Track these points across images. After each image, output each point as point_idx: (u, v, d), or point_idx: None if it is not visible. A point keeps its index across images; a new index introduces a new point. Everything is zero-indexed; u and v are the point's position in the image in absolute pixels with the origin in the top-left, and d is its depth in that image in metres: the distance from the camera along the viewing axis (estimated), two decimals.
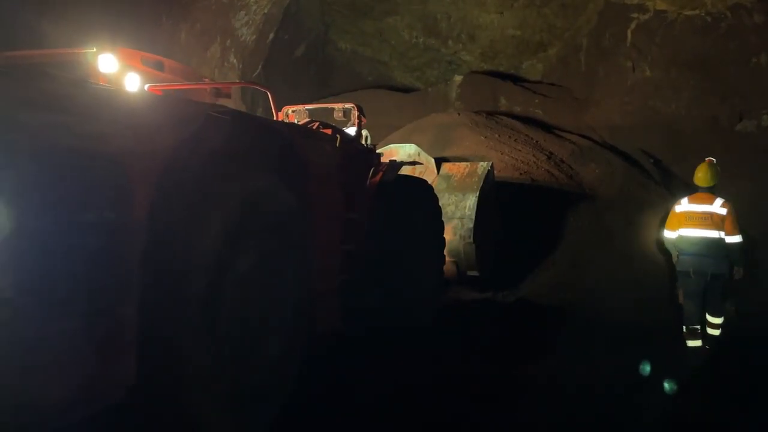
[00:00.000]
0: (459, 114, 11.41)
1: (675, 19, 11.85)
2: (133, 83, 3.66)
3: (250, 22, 11.34)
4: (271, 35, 11.77)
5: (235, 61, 11.39)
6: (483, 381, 4.05)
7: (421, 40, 12.79)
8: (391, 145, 7.78)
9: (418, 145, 8.17)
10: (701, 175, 5.39)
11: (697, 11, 11.73)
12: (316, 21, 12.42)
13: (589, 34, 12.44)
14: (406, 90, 13.64)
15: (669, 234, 5.45)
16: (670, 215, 5.48)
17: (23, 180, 1.98)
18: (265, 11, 11.38)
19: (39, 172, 2.03)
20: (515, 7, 12.10)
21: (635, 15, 11.97)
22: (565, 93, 12.83)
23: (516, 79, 13.25)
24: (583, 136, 11.53)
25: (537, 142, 10.63)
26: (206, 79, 4.65)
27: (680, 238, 5.31)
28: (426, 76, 13.69)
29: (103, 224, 2.26)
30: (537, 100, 12.68)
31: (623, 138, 11.54)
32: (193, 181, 2.58)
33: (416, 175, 6.21)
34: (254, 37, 11.41)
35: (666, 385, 3.96)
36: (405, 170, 5.83)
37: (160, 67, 4.07)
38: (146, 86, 3.76)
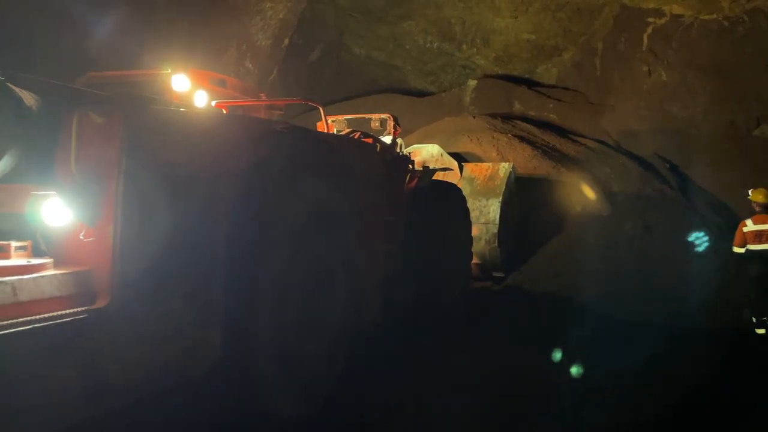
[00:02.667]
0: (474, 117, 11.98)
1: (692, 24, 12.35)
2: (202, 100, 4.23)
3: (266, 27, 11.93)
4: (286, 40, 12.34)
5: (251, 65, 11.98)
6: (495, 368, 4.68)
7: (436, 44, 13.33)
8: (415, 146, 8.33)
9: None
10: (761, 197, 6.71)
11: (714, 15, 12.21)
12: (331, 26, 12.98)
13: (604, 39, 12.94)
14: (420, 94, 14.18)
15: (738, 249, 6.78)
16: (737, 234, 6.80)
17: (144, 190, 2.54)
18: (281, 16, 11.97)
19: (158, 183, 2.60)
20: (530, 12, 12.61)
21: (651, 19, 12.47)
22: (580, 97, 13.35)
23: (530, 84, 13.76)
24: (598, 141, 12.05)
25: (552, 145, 11.16)
26: (262, 95, 5.22)
27: (748, 251, 6.61)
28: (440, 80, 14.23)
29: (199, 223, 2.83)
30: (551, 105, 13.20)
31: (639, 142, 12.03)
32: (266, 189, 3.14)
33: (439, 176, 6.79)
34: (270, 42, 11.99)
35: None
36: None
37: (223, 84, 4.65)
38: (213, 102, 4.33)
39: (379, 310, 4.15)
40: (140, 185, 2.48)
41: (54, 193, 2.38)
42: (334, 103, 13.37)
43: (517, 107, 13.33)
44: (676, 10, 12.19)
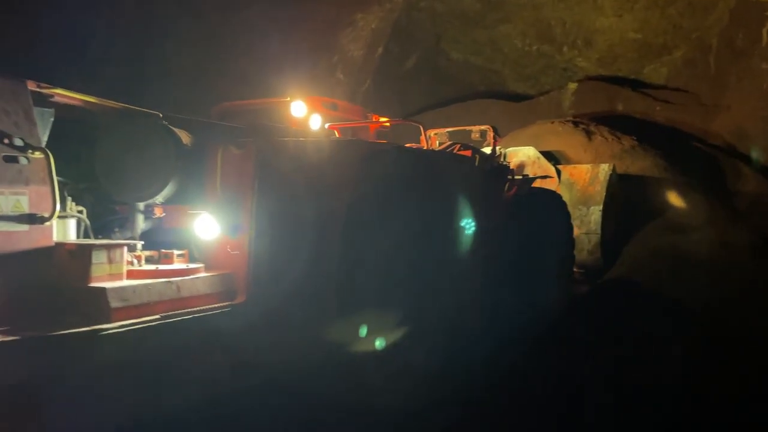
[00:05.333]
0: (573, 119, 12.24)
1: None
2: (317, 123, 5.06)
3: (357, 37, 12.73)
4: (380, 49, 13.12)
5: (342, 76, 12.82)
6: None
7: (535, 47, 13.67)
8: (511, 149, 8.79)
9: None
10: None
11: None
12: (427, 32, 13.64)
13: (719, 35, 12.74)
14: (517, 98, 14.55)
15: None
16: None
17: (273, 208, 3.28)
18: (373, 26, 12.75)
19: (284, 202, 3.32)
20: (636, 9, 12.67)
21: None
22: (691, 98, 13.19)
23: (636, 85, 13.76)
24: (711, 144, 11.93)
25: (658, 149, 11.20)
26: (370, 116, 5.99)
27: None
28: (540, 83, 14.53)
29: (316, 236, 3.53)
30: (658, 107, 13.15)
31: (757, 147, 11.80)
32: (370, 206, 3.81)
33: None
34: (362, 52, 12.80)
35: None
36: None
37: (334, 107, 5.47)
38: (326, 125, 5.15)
39: (481, 312, 4.74)
40: (270, 204, 3.22)
41: (204, 211, 3.16)
42: (428, 110, 14.03)
43: (621, 110, 13.40)
44: None
